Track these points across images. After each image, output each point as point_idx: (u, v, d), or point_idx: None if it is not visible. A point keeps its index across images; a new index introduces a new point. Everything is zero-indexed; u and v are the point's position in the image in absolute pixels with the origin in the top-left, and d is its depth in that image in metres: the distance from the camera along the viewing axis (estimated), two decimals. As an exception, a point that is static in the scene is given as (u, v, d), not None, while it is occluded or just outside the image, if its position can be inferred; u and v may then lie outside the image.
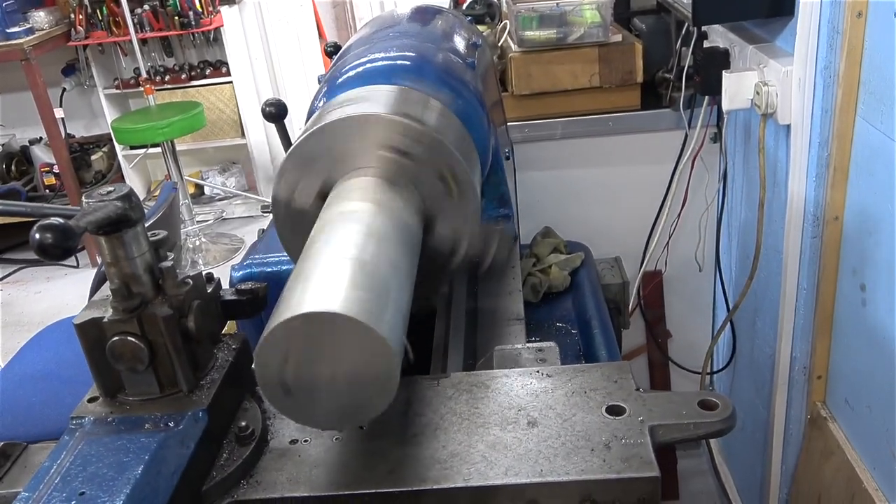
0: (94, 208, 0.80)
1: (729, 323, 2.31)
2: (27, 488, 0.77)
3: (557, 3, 2.20)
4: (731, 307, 2.24)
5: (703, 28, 2.06)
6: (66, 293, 4.74)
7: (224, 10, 5.05)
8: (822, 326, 1.70)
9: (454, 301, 1.40)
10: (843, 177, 1.56)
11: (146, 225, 0.87)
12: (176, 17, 4.94)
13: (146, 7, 4.95)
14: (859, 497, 1.57)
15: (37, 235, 0.74)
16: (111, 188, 0.83)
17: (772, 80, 1.71)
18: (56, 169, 5.18)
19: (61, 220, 0.74)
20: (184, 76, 5.30)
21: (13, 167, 5.38)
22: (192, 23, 4.94)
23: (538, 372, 0.98)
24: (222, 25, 5.03)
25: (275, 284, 0.94)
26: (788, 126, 1.70)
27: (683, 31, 2.20)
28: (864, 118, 1.47)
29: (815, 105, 1.60)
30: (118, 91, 5.38)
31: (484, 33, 2.28)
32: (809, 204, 1.68)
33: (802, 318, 1.79)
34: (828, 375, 1.75)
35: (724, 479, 2.59)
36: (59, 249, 0.74)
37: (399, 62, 1.22)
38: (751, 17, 1.80)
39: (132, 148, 5.37)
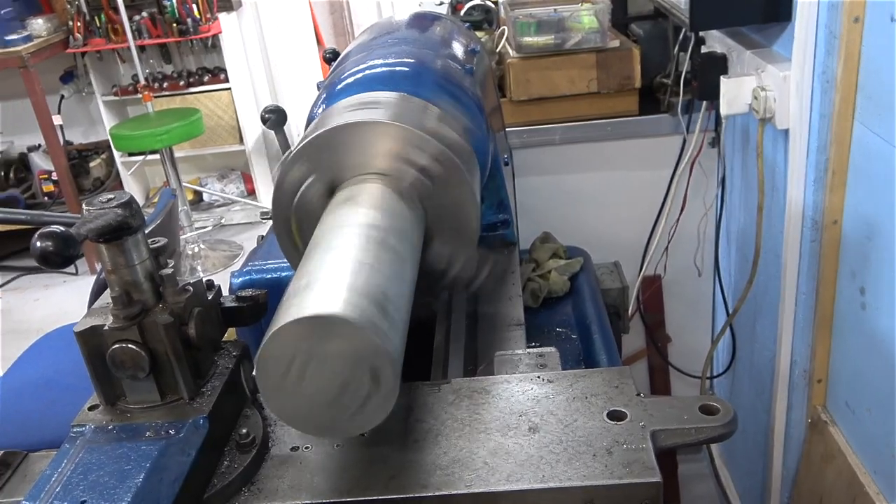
0: (94, 216, 0.80)
1: (728, 327, 2.31)
2: (28, 497, 0.77)
3: (555, 9, 2.20)
4: (730, 311, 2.24)
5: (701, 33, 2.07)
6: (64, 300, 4.73)
7: (222, 16, 5.06)
8: (822, 330, 1.70)
9: (454, 307, 1.40)
10: (841, 181, 1.56)
11: (145, 232, 0.87)
12: (174, 24, 4.94)
13: (144, 14, 4.96)
14: (860, 501, 1.57)
15: (38, 243, 0.74)
16: (111, 195, 0.83)
17: (769, 85, 1.71)
18: (54, 176, 5.17)
19: (62, 228, 0.74)
20: (182, 83, 5.30)
21: (11, 174, 5.38)
22: (191, 30, 4.94)
23: (539, 377, 0.98)
24: (220, 32, 5.03)
25: (275, 291, 0.94)
26: (787, 131, 1.70)
27: (681, 37, 2.21)
28: (861, 122, 1.47)
29: (812, 110, 1.61)
30: (116, 98, 5.38)
31: (482, 39, 2.28)
32: (808, 208, 1.68)
33: (802, 321, 1.79)
34: (828, 379, 1.75)
35: (724, 483, 2.59)
36: (61, 257, 0.74)
37: (398, 69, 1.22)
38: (748, 22, 1.81)
39: (131, 155, 5.37)
